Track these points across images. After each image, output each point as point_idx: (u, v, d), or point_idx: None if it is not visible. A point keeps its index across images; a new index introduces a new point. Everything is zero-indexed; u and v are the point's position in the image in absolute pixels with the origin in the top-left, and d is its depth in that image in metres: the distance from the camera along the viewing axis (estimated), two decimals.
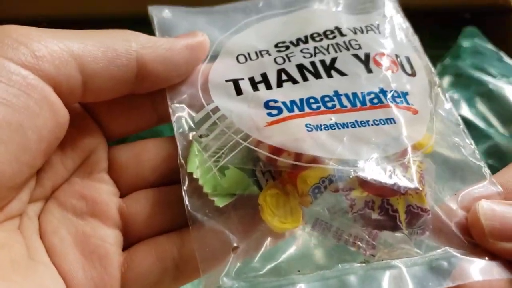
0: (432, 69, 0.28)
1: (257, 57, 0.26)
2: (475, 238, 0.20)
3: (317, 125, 0.23)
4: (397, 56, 0.26)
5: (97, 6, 0.41)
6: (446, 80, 0.38)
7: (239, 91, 0.25)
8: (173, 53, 0.24)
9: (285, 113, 0.23)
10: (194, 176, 0.23)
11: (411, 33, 0.28)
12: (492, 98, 0.35)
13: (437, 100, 0.26)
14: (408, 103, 0.24)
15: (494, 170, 0.33)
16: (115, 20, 0.47)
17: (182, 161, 0.23)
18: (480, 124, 0.34)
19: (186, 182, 0.23)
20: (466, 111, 0.35)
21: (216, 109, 0.24)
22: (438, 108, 0.26)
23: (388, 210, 0.22)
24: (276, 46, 0.26)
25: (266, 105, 0.24)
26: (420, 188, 0.21)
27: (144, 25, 0.47)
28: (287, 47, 0.26)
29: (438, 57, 0.45)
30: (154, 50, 0.23)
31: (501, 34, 0.45)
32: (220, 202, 0.23)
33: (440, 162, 0.24)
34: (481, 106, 0.35)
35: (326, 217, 0.23)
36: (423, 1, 0.45)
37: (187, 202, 0.22)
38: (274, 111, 0.23)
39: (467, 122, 0.35)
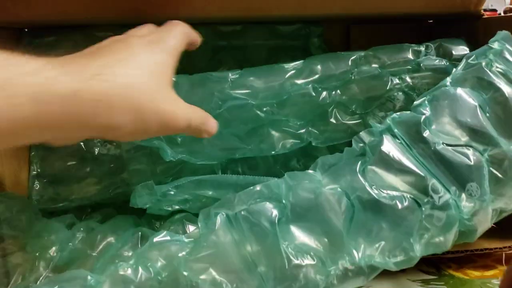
0: None
1: None
2: None
3: None
4: None
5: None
6: (467, 81, 0.37)
7: None
8: None
9: None
10: None
11: None
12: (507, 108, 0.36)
13: None
14: None
15: (495, 178, 0.34)
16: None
17: None
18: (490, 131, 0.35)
19: None
20: (478, 116, 0.36)
21: None
22: None
23: None
24: None
25: None
26: None
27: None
28: None
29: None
30: None
31: (470, 41, 0.47)
32: None
33: None
34: (494, 114, 0.36)
35: None
36: (393, 9, 0.46)
37: None
38: None
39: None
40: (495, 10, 0.66)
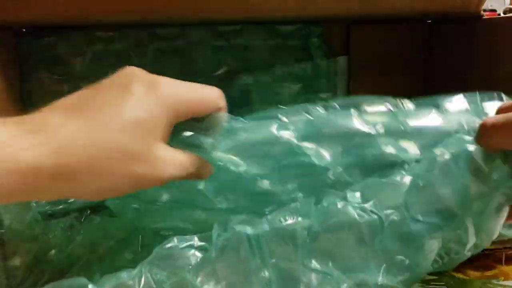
0: None
1: None
2: None
3: None
4: None
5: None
6: None
7: None
8: None
9: None
10: None
11: None
12: None
13: None
14: None
15: None
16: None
17: None
18: None
19: None
20: None
21: None
22: None
23: None
24: None
25: None
26: None
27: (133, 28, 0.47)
28: None
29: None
30: None
31: (468, 41, 0.47)
32: None
33: None
34: None
35: None
36: (393, 9, 0.46)
37: None
38: None
39: None
40: (494, 10, 0.66)
